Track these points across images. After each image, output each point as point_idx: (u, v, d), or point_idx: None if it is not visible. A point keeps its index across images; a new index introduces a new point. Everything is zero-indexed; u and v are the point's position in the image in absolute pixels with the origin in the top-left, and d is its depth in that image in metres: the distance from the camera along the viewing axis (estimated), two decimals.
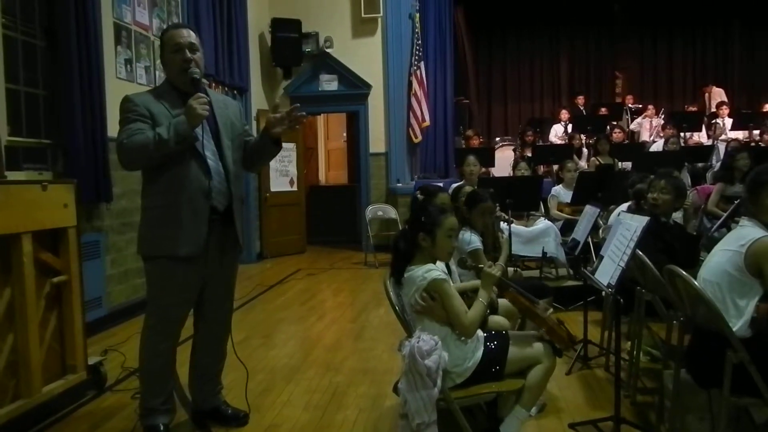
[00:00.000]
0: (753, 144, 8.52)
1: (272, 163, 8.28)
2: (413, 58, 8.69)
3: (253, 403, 3.07)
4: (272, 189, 8.38)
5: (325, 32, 8.69)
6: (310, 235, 9.11)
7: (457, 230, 2.74)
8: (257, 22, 8.33)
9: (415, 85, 8.66)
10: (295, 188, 8.78)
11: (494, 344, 2.44)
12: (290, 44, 8.53)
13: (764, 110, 9.74)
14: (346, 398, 3.30)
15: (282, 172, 8.54)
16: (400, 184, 8.57)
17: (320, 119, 11.38)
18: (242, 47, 7.65)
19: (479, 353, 2.39)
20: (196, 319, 2.84)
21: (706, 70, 12.97)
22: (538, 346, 2.46)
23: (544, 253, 5.16)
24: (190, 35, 2.63)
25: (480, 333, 2.46)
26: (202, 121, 2.50)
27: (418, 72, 8.68)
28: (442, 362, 2.26)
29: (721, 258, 2.44)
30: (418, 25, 8.70)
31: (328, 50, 8.68)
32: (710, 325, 2.35)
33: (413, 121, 8.70)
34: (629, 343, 3.40)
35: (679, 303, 2.62)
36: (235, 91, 7.57)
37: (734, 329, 2.28)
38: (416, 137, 8.75)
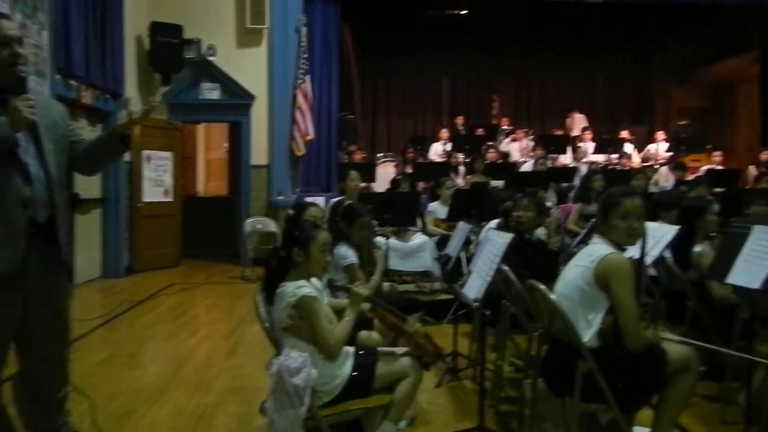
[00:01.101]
0: (611, 167, 9.29)
1: (146, 173, 7.91)
2: (299, 72, 8.66)
3: (110, 429, 2.88)
4: (145, 199, 7.96)
5: (209, 40, 8.46)
6: (185, 247, 8.74)
7: (331, 245, 2.74)
8: (135, 24, 7.94)
9: (299, 98, 8.62)
10: (170, 199, 8.40)
11: (363, 361, 2.46)
12: (170, 50, 8.21)
13: (621, 136, 10.66)
14: (215, 419, 3.18)
15: (156, 182, 8.15)
16: (281, 197, 8.46)
17: (200, 128, 11.02)
18: (117, 49, 7.25)
19: (348, 370, 2.40)
20: (22, 349, 2.42)
21: (573, 97, 14.01)
22: (405, 361, 2.50)
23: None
24: (17, 28, 2.34)
25: (349, 349, 2.47)
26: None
27: (303, 85, 8.66)
28: (311, 380, 2.24)
29: (575, 273, 2.61)
30: (304, 38, 8.69)
31: (210, 58, 8.44)
32: (564, 336, 2.51)
33: (297, 134, 8.65)
34: (496, 354, 3.56)
35: (538, 315, 2.78)
36: (108, 95, 7.15)
37: (584, 340, 2.45)
38: (299, 150, 8.70)
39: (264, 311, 2.46)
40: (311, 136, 8.78)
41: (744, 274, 2.71)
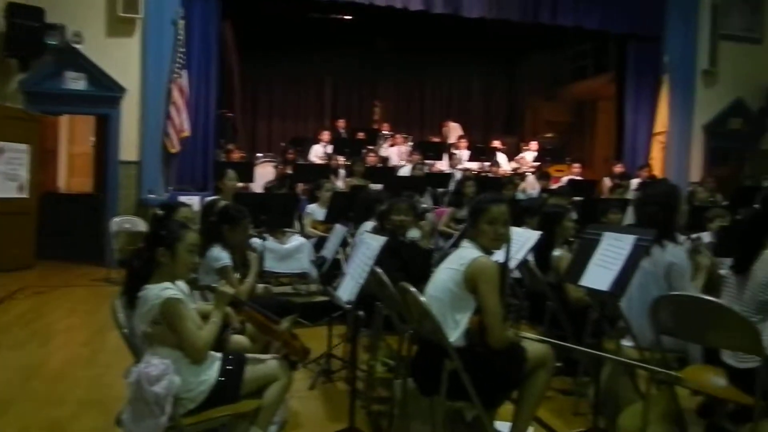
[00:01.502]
0: (483, 174, 9.74)
1: None
2: (175, 65, 8.27)
3: None
4: None
5: (74, 26, 7.87)
6: (41, 248, 8.03)
7: (199, 246, 2.64)
8: None
9: (175, 93, 8.25)
10: (24, 195, 7.70)
11: (230, 365, 2.38)
12: (29, 33, 7.54)
13: (494, 146, 11.21)
14: None
15: (9, 176, 7.43)
16: (152, 196, 8.04)
17: (63, 120, 10.22)
18: None
19: (214, 375, 2.31)
20: None
21: (450, 107, 14.56)
22: (273, 364, 2.46)
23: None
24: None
25: (216, 355, 2.38)
26: None
27: (179, 80, 8.29)
28: (173, 388, 2.13)
29: (445, 275, 2.70)
30: (182, 32, 8.32)
31: (76, 46, 7.86)
32: (432, 336, 2.59)
33: (171, 130, 8.26)
34: (369, 355, 3.60)
35: (409, 317, 2.85)
36: None
37: (451, 340, 2.54)
38: (173, 147, 8.31)
39: (123, 316, 2.32)
40: (187, 132, 8.43)
41: (595, 277, 2.92)
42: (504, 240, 2.72)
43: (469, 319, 2.60)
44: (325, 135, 10.39)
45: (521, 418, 2.72)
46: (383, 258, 2.98)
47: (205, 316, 2.45)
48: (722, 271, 3.12)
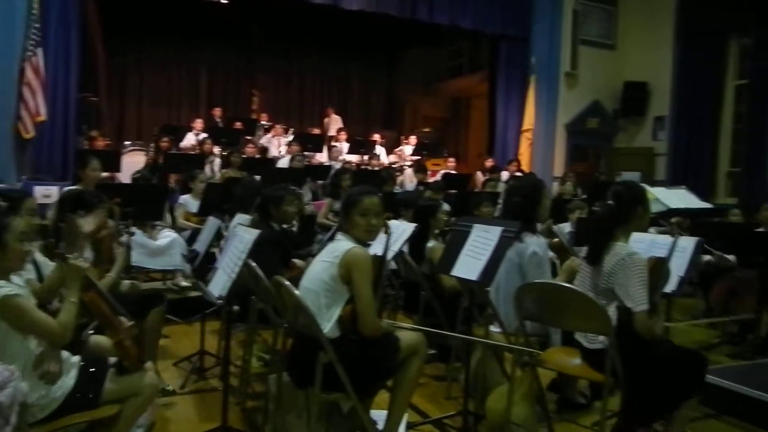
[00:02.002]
0: (363, 167, 9.83)
1: None
2: (28, 43, 7.55)
3: None
4: None
5: None
6: None
7: (32, 234, 2.40)
8: None
9: (29, 73, 7.53)
10: None
11: (90, 370, 2.21)
12: None
13: (373, 139, 11.35)
14: None
15: None
16: (2, 185, 7.31)
17: None
18: None
19: (70, 382, 2.13)
20: None
21: (331, 99, 14.54)
22: (136, 377, 2.29)
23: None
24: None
25: (74, 359, 2.20)
26: None
27: (33, 59, 7.57)
28: (19, 395, 1.94)
29: (320, 267, 2.68)
30: (36, 7, 7.61)
31: None
32: (307, 329, 2.57)
33: (24, 113, 7.54)
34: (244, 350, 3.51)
35: (284, 310, 2.81)
36: None
37: (325, 331, 2.53)
38: (27, 132, 7.60)
39: None
40: (43, 116, 7.74)
41: (465, 267, 3.05)
42: (376, 231, 2.76)
43: (343, 309, 2.62)
44: (199, 123, 9.99)
45: (396, 405, 2.77)
46: (266, 250, 2.93)
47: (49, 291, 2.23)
48: (577, 261, 3.36)
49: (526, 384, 3.01)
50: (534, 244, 3.34)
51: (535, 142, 10.54)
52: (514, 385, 2.96)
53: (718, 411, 3.48)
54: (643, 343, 2.65)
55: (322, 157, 10.12)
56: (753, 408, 3.35)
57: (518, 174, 9.22)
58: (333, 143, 10.51)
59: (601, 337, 2.69)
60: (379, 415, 2.85)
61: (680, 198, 5.24)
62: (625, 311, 2.68)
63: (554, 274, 3.75)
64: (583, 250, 2.96)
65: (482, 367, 3.40)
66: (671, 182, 9.29)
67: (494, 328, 3.33)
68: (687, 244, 3.50)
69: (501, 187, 7.75)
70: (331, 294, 2.61)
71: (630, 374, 2.62)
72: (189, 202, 5.94)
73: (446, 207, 4.80)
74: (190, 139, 9.78)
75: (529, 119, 10.53)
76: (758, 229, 5.51)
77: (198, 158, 8.27)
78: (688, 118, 10.14)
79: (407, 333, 2.82)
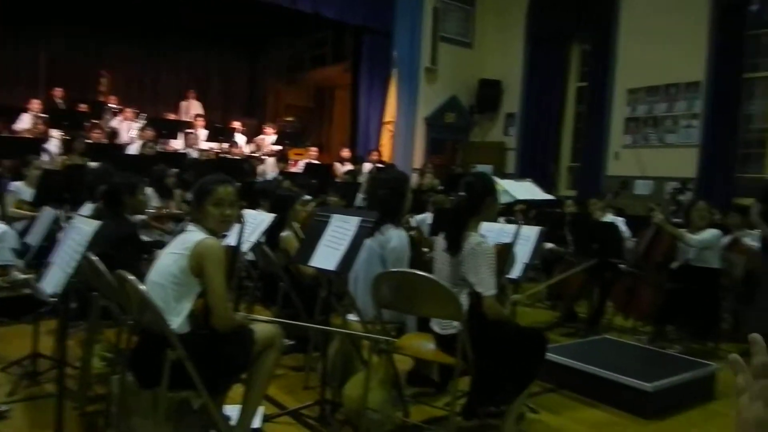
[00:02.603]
0: (222, 155, 9.49)
1: None
2: None
3: None
4: None
5: None
6: None
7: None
8: None
9: None
10: None
11: None
12: None
13: (233, 126, 10.99)
14: None
15: None
16: None
17: None
18: None
19: None
20: None
21: (189, 83, 13.84)
22: None
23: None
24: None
25: None
26: None
27: None
28: None
29: (169, 260, 2.53)
30: None
31: None
32: (154, 326, 2.42)
33: None
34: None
35: (128, 306, 2.62)
36: None
37: (174, 327, 2.40)
38: None
39: None
40: None
41: (324, 257, 3.04)
42: (231, 222, 2.67)
43: (194, 302, 2.50)
44: (36, 104, 9.05)
45: (250, 399, 2.71)
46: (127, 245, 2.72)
47: None
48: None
49: (382, 370, 3.08)
50: (396, 236, 3.40)
51: (397, 134, 10.79)
52: (370, 371, 3.01)
53: (556, 385, 3.78)
54: (492, 327, 2.80)
55: (177, 144, 9.62)
56: (585, 381, 3.67)
57: (380, 165, 9.38)
58: (189, 130, 10.03)
59: (455, 323, 2.80)
60: (233, 410, 2.77)
61: (526, 190, 5.60)
62: (475, 296, 2.81)
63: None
64: (439, 240, 3.05)
65: (340, 355, 3.42)
66: (519, 175, 9.95)
67: (352, 317, 3.35)
68: (531, 232, 3.74)
69: (363, 178, 7.84)
70: (180, 287, 2.48)
71: (479, 357, 2.76)
72: (21, 189, 5.38)
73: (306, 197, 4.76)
74: (25, 121, 8.85)
75: (390, 112, 10.75)
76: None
77: (33, 142, 7.51)
78: (535, 116, 10.89)
79: (263, 325, 2.76)
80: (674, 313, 4.76)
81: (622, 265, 5.13)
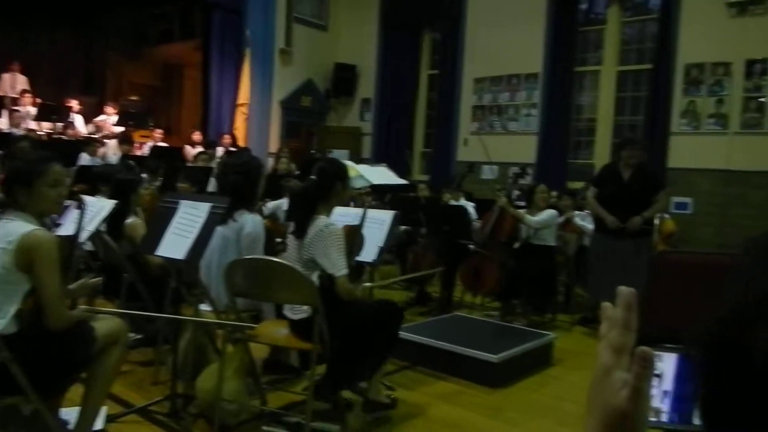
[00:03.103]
0: (56, 136, 8.66)
1: None
2: None
3: None
4: None
5: None
6: None
7: None
8: None
9: None
10: None
11: None
12: None
13: (69, 105, 10.04)
14: None
15: None
16: None
17: None
18: None
19: None
20: None
21: (11, 57, 12.41)
22: None
23: None
24: None
25: None
26: None
27: None
28: None
29: None
30: None
31: None
32: None
33: None
34: None
35: None
36: None
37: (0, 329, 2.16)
38: None
39: None
40: None
41: (172, 246, 2.88)
42: (63, 203, 2.45)
43: (24, 300, 2.26)
44: None
45: (91, 400, 2.51)
46: None
47: None
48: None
49: (237, 359, 3.00)
50: (250, 221, 3.31)
51: (251, 117, 10.49)
52: (225, 361, 2.92)
53: (411, 362, 3.92)
54: (345, 306, 2.83)
55: (1, 124, 8.62)
56: (438, 357, 3.85)
57: (233, 149, 9.09)
58: (15, 107, 9.02)
59: (305, 307, 2.78)
60: (70, 413, 2.56)
61: (381, 174, 5.73)
62: (327, 278, 2.82)
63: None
64: (291, 226, 3.03)
65: (192, 347, 3.28)
66: (375, 160, 10.12)
67: (204, 307, 3.23)
68: (385, 216, 3.82)
69: (215, 162, 7.54)
70: (4, 286, 2.23)
71: (334, 338, 2.77)
72: None
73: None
74: None
75: (244, 93, 10.41)
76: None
77: None
78: (390, 102, 11.11)
79: (105, 320, 2.56)
80: (517, 288, 5.13)
81: (471, 246, 5.42)
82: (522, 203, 5.70)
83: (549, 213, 5.24)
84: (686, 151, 7.89)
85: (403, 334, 3.35)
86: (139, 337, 3.79)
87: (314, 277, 2.81)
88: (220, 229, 3.13)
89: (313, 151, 11.10)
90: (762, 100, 7.47)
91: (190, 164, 7.90)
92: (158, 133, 9.79)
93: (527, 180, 6.92)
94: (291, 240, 2.97)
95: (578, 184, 7.76)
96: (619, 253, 4.82)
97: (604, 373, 0.57)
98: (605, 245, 4.93)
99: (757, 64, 7.46)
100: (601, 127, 8.98)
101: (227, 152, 8.78)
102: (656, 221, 6.57)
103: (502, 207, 5.28)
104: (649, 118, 8.25)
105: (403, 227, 6.39)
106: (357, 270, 2.98)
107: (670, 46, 8.00)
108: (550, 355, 4.19)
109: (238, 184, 3.36)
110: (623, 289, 0.58)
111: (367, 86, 11.51)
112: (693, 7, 7.83)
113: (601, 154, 8.90)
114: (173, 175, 5.98)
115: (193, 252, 2.82)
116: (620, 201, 4.80)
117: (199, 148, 8.84)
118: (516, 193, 6.82)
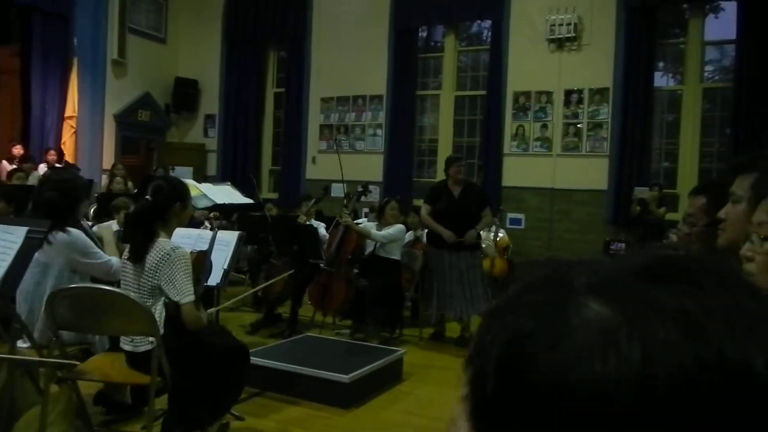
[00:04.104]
0: None
1: None
2: None
3: None
4: None
5: None
6: None
7: None
8: None
9: None
10: None
11: None
12: None
13: None
14: None
15: None
16: None
17: None
18: None
19: None
20: None
21: None
22: None
23: None
24: None
25: None
26: None
27: None
28: None
29: None
30: None
31: None
32: None
33: None
34: None
35: None
36: None
37: None
38: None
39: None
40: None
41: None
42: None
43: None
44: None
45: None
46: None
47: None
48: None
49: (63, 400, 2.68)
50: (66, 237, 3.00)
51: (81, 131, 9.65)
52: (47, 404, 2.59)
53: (261, 388, 3.77)
54: (191, 339, 2.65)
55: None
56: (289, 380, 3.74)
57: (58, 165, 8.29)
58: None
59: (151, 339, 2.57)
60: None
61: (225, 193, 5.52)
62: (172, 306, 2.63)
63: None
64: (127, 250, 2.78)
65: (9, 390, 2.88)
66: (221, 178, 9.78)
67: (22, 343, 2.86)
68: (230, 237, 3.66)
69: (33, 179, 6.82)
70: None
71: (177, 371, 2.58)
72: None
73: None
74: None
75: (72, 105, 9.56)
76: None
77: None
78: (235, 119, 10.82)
79: None
80: (365, 305, 5.17)
81: (321, 264, 5.38)
82: (362, 219, 5.80)
83: (397, 228, 5.38)
84: (517, 170, 8.55)
85: (252, 359, 3.21)
86: None
87: (159, 305, 2.60)
88: (36, 255, 2.79)
89: (155, 168, 10.48)
90: (579, 125, 8.32)
91: (4, 182, 7.06)
92: None
93: (370, 197, 7.09)
94: (128, 265, 2.73)
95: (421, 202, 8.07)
96: (455, 266, 5.07)
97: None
98: (441, 259, 5.16)
99: (573, 94, 8.30)
100: (442, 148, 9.44)
101: (51, 168, 7.98)
102: (491, 235, 7.04)
103: (347, 224, 5.32)
104: (485, 139, 8.84)
105: (250, 246, 6.21)
106: (206, 296, 2.81)
107: (500, 74, 8.66)
108: (401, 371, 4.26)
109: (54, 201, 3.03)
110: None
111: (210, 102, 11.12)
112: (518, 40, 8.55)
113: (443, 174, 9.35)
114: None
115: (7, 282, 2.49)
116: (452, 216, 5.09)
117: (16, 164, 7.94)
118: (365, 210, 6.92)
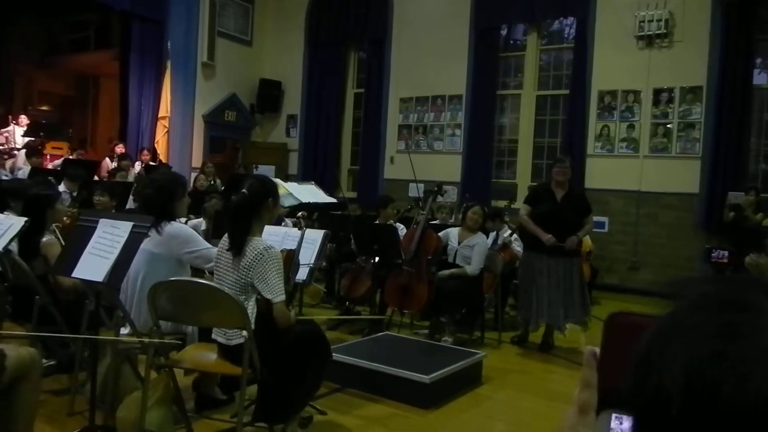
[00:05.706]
0: None
1: None
2: None
3: None
4: None
5: None
6: None
7: None
8: None
9: None
10: None
11: None
12: None
13: None
14: None
15: None
16: None
17: None
18: None
19: None
20: None
21: None
22: None
23: None
24: None
25: None
26: None
27: None
28: None
29: None
30: None
31: None
32: None
33: None
34: None
35: None
36: None
37: None
38: None
39: None
40: None
41: (90, 267, 2.71)
42: None
43: None
44: None
45: None
46: None
47: None
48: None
49: (161, 387, 2.84)
50: (172, 227, 3.18)
51: (173, 131, 10.16)
52: (148, 389, 2.76)
53: (342, 385, 3.84)
54: (279, 334, 2.74)
55: None
56: (369, 378, 3.80)
57: (152, 164, 8.75)
58: None
59: (244, 332, 2.68)
60: None
61: (310, 192, 5.67)
62: (264, 303, 2.73)
63: None
64: (223, 241, 2.89)
65: (112, 373, 3.08)
66: (302, 177, 10.02)
67: (125, 331, 3.05)
68: (316, 236, 3.76)
69: (132, 177, 7.24)
70: None
71: (266, 365, 2.68)
72: None
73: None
74: None
75: (165, 106, 10.08)
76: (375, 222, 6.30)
77: None
78: (317, 119, 11.06)
79: (16, 350, 2.36)
80: (444, 306, 5.15)
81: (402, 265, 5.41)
82: (436, 220, 5.72)
83: (480, 248, 5.22)
84: (601, 172, 8.29)
85: (334, 355, 3.29)
86: (52, 363, 3.53)
87: (252, 301, 2.72)
88: (143, 246, 2.96)
89: (237, 166, 10.88)
90: (669, 126, 7.97)
91: (106, 179, 7.53)
92: (73, 145, 9.29)
93: (446, 197, 7.07)
94: (225, 258, 2.85)
95: (502, 203, 7.98)
96: (553, 272, 4.89)
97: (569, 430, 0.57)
98: (539, 264, 4.94)
99: (663, 93, 7.96)
100: (522, 148, 9.29)
101: (145, 167, 8.44)
102: None
103: (424, 228, 5.27)
104: (567, 140, 8.62)
105: (330, 244, 6.33)
106: (291, 294, 2.91)
107: (585, 73, 8.42)
108: (480, 374, 4.23)
109: (152, 198, 3.22)
110: (586, 349, 0.58)
111: (292, 102, 11.41)
112: (604, 38, 8.28)
113: (522, 175, 9.21)
114: (89, 189, 5.66)
115: (114, 274, 2.66)
116: (553, 220, 4.84)
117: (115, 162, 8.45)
118: (445, 212, 6.90)
